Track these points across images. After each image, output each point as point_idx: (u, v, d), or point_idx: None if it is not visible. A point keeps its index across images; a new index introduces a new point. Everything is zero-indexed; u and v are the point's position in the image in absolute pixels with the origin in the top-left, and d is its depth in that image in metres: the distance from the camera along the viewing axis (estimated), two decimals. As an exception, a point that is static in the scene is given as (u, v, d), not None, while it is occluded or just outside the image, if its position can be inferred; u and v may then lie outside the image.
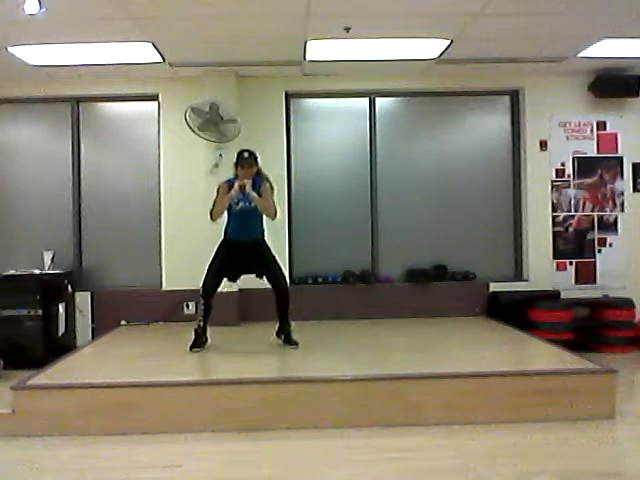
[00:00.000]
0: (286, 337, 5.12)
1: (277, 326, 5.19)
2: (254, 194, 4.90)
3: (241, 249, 5.02)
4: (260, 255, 5.08)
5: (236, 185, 4.87)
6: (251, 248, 5.04)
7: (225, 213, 5.04)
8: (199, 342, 5.02)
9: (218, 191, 5.02)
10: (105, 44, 5.39)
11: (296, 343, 5.06)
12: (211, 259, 5.07)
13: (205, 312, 4.97)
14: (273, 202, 5.04)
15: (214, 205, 5.00)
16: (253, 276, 5.16)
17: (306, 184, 6.76)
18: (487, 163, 6.84)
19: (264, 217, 5.10)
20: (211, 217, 5.03)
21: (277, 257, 5.17)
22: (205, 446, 3.73)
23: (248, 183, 4.86)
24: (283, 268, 5.26)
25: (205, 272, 5.03)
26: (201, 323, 5.00)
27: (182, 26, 5.05)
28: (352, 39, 5.31)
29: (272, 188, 5.07)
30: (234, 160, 5.03)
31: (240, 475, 3.36)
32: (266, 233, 5.19)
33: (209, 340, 5.10)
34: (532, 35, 5.40)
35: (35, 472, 3.43)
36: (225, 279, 5.13)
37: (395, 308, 6.46)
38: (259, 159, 5.02)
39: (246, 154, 4.95)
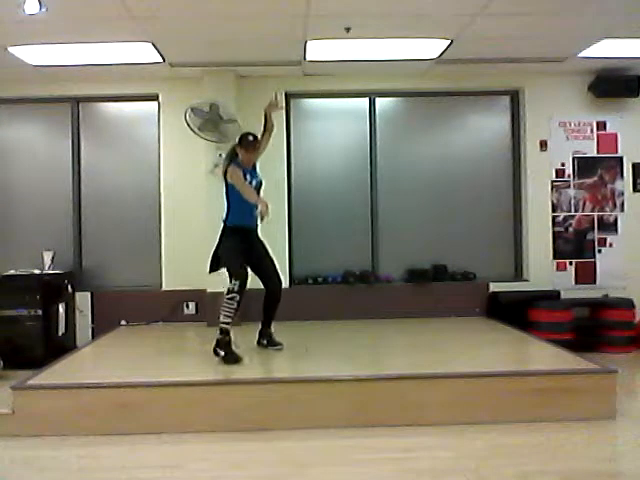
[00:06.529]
0: (270, 339, 5.00)
1: (260, 330, 5.02)
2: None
3: (249, 236, 4.84)
4: (260, 244, 4.92)
5: (261, 207, 4.39)
6: (255, 235, 4.91)
7: (225, 199, 4.83)
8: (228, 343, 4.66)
9: (237, 176, 4.68)
10: (105, 44, 5.39)
11: (280, 343, 4.98)
12: (227, 255, 4.71)
13: (236, 310, 4.59)
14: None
15: (245, 192, 4.63)
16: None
17: (306, 184, 6.76)
18: (487, 163, 6.83)
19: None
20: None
21: (276, 257, 5.05)
22: (205, 446, 3.73)
23: (268, 210, 4.40)
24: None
25: (232, 270, 4.62)
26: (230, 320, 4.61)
27: (182, 26, 5.05)
28: (352, 39, 5.31)
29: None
30: (235, 142, 4.87)
31: (240, 475, 3.37)
32: (262, 233, 4.95)
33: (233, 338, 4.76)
34: (532, 35, 5.40)
35: (35, 472, 3.43)
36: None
37: (395, 308, 6.46)
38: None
39: (251, 137, 4.84)
